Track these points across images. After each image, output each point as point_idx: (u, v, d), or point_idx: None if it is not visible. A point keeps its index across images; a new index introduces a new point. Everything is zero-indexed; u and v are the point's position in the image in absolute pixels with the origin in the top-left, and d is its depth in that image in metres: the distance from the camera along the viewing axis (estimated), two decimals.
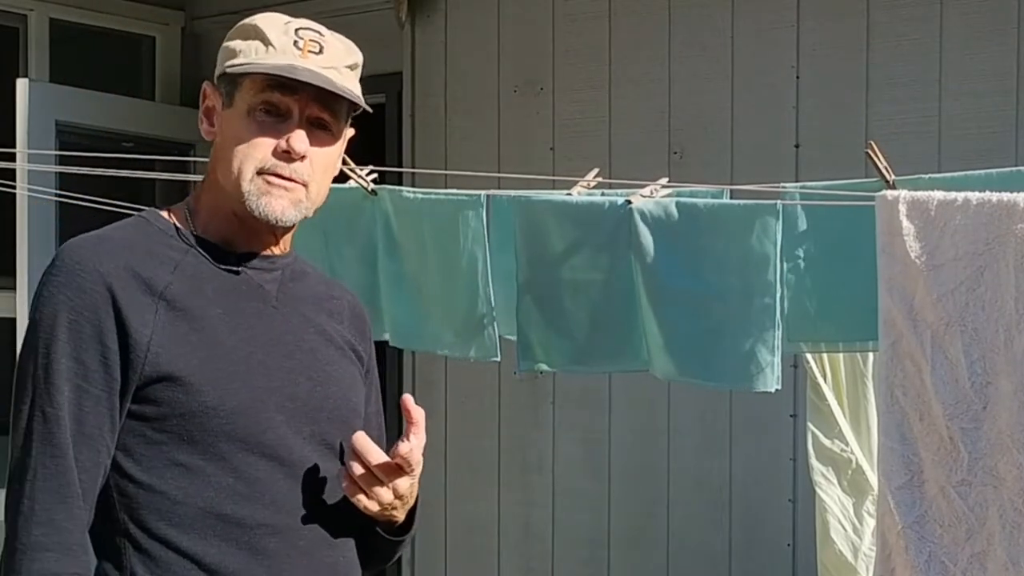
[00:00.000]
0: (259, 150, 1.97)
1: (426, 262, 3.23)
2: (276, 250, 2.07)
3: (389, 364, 5.34)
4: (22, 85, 5.29)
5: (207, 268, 2.00)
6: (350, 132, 2.09)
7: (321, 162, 2.02)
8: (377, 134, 5.65)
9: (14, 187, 4.70)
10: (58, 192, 4.37)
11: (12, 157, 4.70)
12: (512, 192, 3.18)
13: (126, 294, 1.91)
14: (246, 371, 1.95)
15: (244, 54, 2.00)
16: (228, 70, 1.99)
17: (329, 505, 2.00)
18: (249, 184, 1.97)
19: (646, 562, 4.81)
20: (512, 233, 3.08)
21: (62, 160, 4.64)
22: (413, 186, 4.15)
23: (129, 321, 1.90)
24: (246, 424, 1.93)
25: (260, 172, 1.97)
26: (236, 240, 2.03)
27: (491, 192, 3.16)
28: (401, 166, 5.21)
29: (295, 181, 1.99)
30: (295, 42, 1.99)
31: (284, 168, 1.98)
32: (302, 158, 1.98)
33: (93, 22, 5.95)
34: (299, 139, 1.97)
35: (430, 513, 4.93)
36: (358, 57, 2.07)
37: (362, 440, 1.97)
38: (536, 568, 5.07)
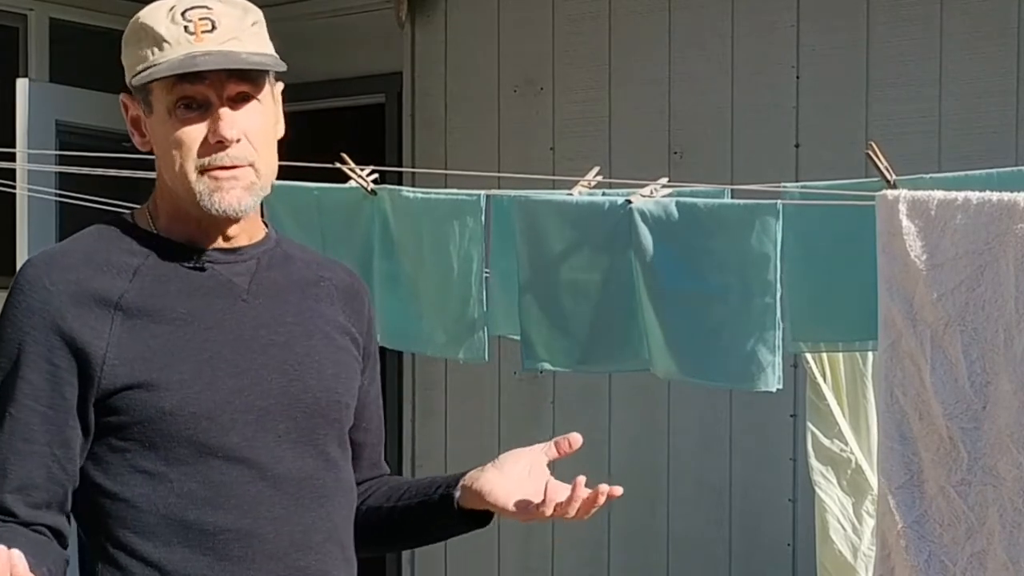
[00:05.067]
0: (192, 148, 1.91)
1: (422, 262, 3.22)
2: (244, 240, 2.00)
3: (389, 365, 5.34)
4: (22, 85, 5.29)
5: (170, 269, 1.95)
6: (279, 86, 2.00)
7: (258, 134, 1.94)
8: (377, 134, 5.65)
9: (14, 187, 4.70)
10: (58, 192, 4.38)
11: (12, 157, 4.70)
12: (512, 192, 3.18)
13: (77, 310, 1.88)
14: (210, 372, 1.90)
15: (143, 59, 1.93)
16: (134, 82, 1.94)
17: (306, 506, 1.95)
18: (197, 184, 1.91)
19: (646, 562, 4.81)
20: (512, 233, 3.08)
21: (62, 160, 4.64)
22: (413, 186, 4.15)
23: (81, 337, 1.88)
24: (208, 427, 1.89)
25: (202, 170, 1.91)
26: (199, 237, 1.97)
27: (491, 192, 3.16)
28: (401, 166, 5.21)
29: (238, 167, 1.92)
30: (185, 27, 1.91)
31: (223, 158, 1.91)
32: (237, 141, 1.91)
33: (93, 22, 5.94)
34: (227, 125, 1.90)
35: None
36: (256, 13, 1.98)
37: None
38: (536, 568, 5.07)
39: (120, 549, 1.89)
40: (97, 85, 5.70)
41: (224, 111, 1.91)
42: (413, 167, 5.14)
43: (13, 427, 1.88)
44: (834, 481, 3.45)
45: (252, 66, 1.92)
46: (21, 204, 5.17)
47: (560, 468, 1.99)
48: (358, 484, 2.09)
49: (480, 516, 2.06)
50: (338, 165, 3.29)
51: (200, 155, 1.91)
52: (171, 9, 1.94)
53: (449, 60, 5.24)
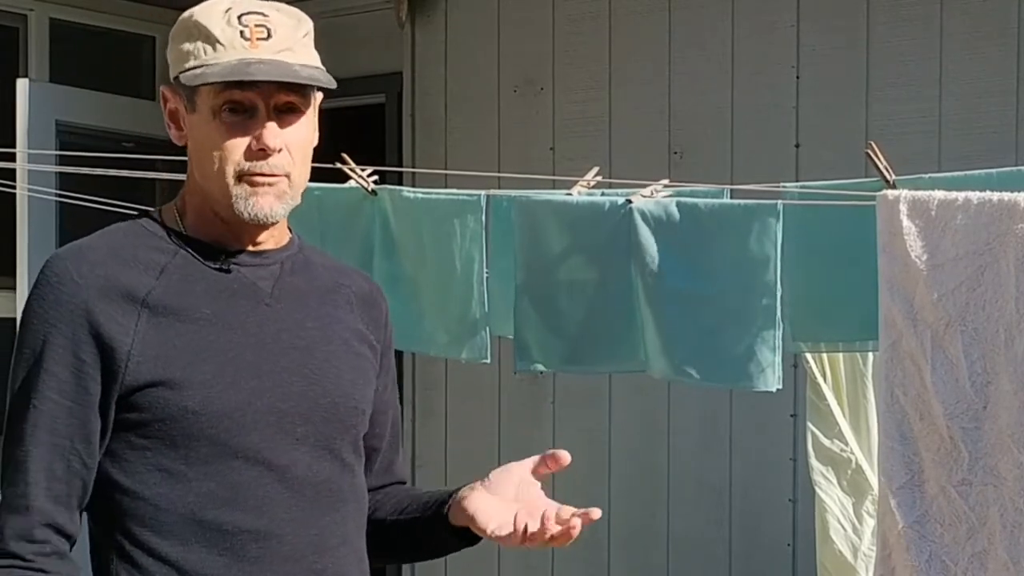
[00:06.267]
0: (234, 153, 1.91)
1: (423, 263, 3.22)
2: (270, 244, 2.02)
3: None
4: (22, 85, 5.29)
5: (197, 269, 1.96)
6: (320, 96, 2.01)
7: (298, 145, 1.95)
8: (377, 134, 5.65)
9: (14, 187, 4.70)
10: (58, 192, 4.38)
11: (12, 157, 4.71)
12: (512, 192, 3.18)
13: (104, 304, 1.89)
14: (233, 373, 1.91)
15: (194, 56, 1.93)
16: (183, 79, 1.93)
17: (322, 509, 1.96)
18: (235, 189, 1.92)
19: (646, 562, 4.81)
20: (512, 233, 3.08)
21: (62, 160, 4.65)
22: (413, 186, 4.15)
23: (107, 332, 1.88)
24: (230, 427, 1.89)
25: (240, 175, 1.92)
26: (226, 239, 1.99)
27: (491, 192, 3.16)
28: (401, 166, 5.21)
29: (276, 175, 1.93)
30: (241, 32, 1.91)
31: (263, 166, 1.92)
32: (278, 151, 1.92)
33: (93, 22, 5.95)
34: (271, 135, 1.91)
35: None
36: (308, 24, 1.98)
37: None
38: (536, 568, 5.07)
39: (137, 547, 1.90)
40: (97, 85, 5.71)
41: (270, 123, 1.92)
42: (413, 167, 5.14)
43: (37, 419, 1.88)
44: (834, 481, 3.45)
45: (304, 80, 1.92)
46: (21, 204, 5.17)
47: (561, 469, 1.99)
48: (371, 491, 2.10)
49: (471, 534, 2.07)
50: (338, 165, 3.29)
51: (240, 162, 1.92)
52: (227, 11, 1.93)
53: (449, 60, 5.24)
